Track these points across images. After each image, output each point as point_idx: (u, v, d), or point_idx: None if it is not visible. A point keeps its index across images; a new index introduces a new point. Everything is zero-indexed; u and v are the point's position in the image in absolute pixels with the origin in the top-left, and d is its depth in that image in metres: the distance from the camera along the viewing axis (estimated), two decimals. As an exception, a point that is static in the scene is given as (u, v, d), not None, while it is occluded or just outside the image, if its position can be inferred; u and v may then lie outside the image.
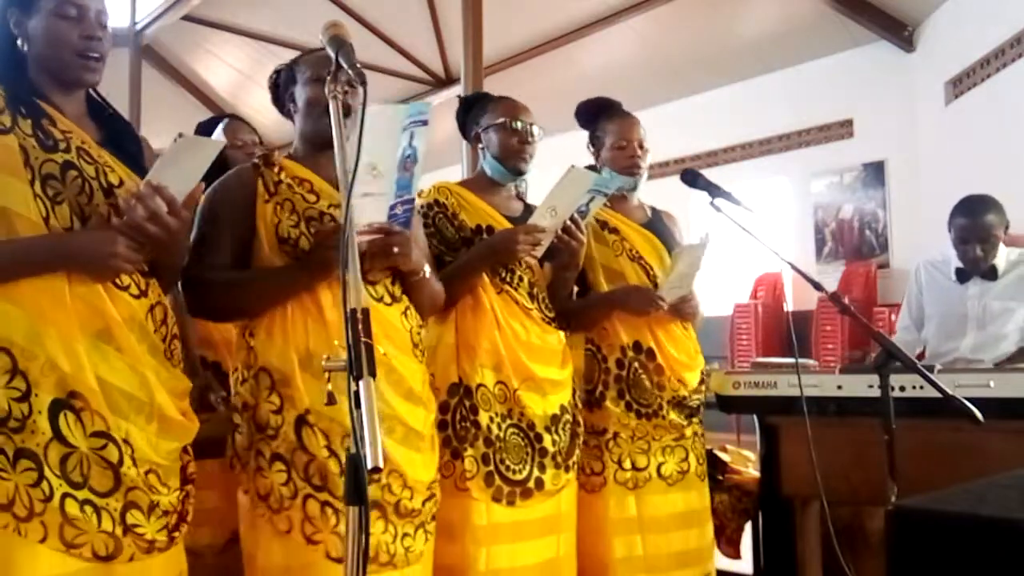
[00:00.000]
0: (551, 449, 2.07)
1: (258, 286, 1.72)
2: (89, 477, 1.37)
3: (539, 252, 2.09)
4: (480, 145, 2.24)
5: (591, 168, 2.34)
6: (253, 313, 1.72)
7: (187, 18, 8.74)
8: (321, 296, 1.68)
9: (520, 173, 2.21)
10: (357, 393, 1.11)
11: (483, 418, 2.00)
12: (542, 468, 2.05)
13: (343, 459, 1.59)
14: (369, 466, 1.06)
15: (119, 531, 1.39)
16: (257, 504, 1.65)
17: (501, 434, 2.02)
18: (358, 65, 1.40)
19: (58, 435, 1.36)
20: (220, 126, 2.51)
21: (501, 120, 2.17)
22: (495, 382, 2.04)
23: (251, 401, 1.69)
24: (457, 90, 7.40)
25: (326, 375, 1.27)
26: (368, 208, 1.59)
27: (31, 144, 1.41)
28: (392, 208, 1.65)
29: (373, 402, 1.10)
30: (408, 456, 1.70)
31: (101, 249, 1.39)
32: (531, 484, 2.03)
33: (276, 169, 1.76)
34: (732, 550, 2.67)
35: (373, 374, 1.13)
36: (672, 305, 2.31)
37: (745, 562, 2.75)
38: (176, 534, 1.49)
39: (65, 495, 1.35)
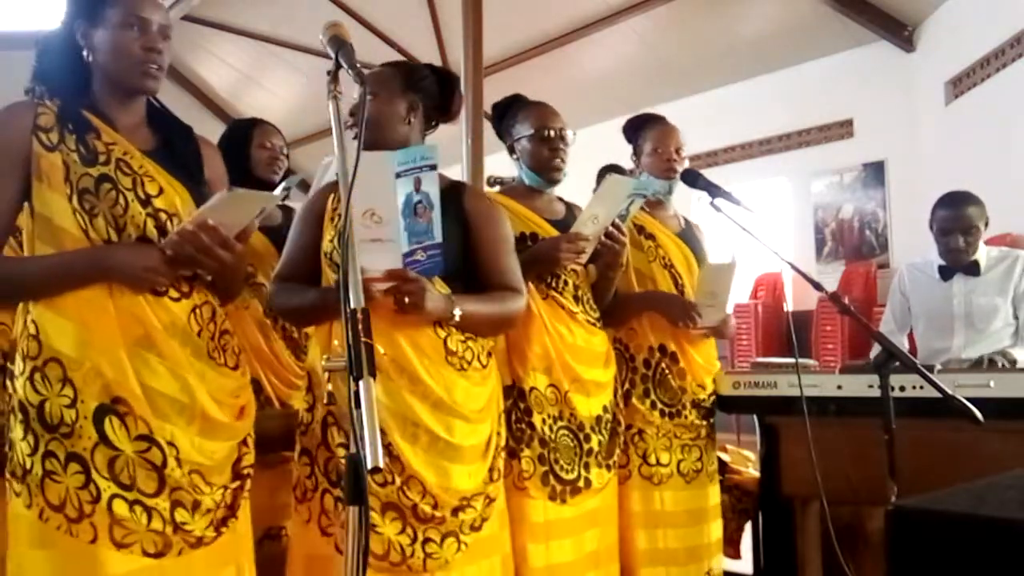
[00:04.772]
0: (596, 449, 2.13)
1: (309, 302, 1.79)
2: (136, 479, 1.43)
3: (583, 259, 2.14)
4: (515, 156, 2.27)
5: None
6: (308, 323, 1.85)
7: (187, 18, 8.74)
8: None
9: (555, 182, 2.25)
10: (357, 393, 1.11)
11: (537, 420, 2.06)
12: (587, 468, 2.12)
13: None
14: (369, 466, 1.06)
15: (169, 529, 1.45)
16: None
17: (553, 435, 2.08)
18: (358, 65, 1.41)
19: (104, 439, 1.42)
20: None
21: (531, 131, 2.19)
22: (547, 384, 2.09)
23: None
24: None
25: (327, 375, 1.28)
26: (376, 254, 1.58)
27: (73, 159, 1.48)
28: (410, 255, 1.63)
29: (373, 402, 1.10)
30: (434, 463, 1.68)
31: (139, 263, 1.45)
32: (580, 483, 2.10)
33: None
34: (732, 550, 2.68)
35: (373, 374, 1.13)
36: (709, 327, 2.38)
37: (745, 562, 2.75)
38: (224, 528, 1.53)
39: (114, 496, 1.41)
